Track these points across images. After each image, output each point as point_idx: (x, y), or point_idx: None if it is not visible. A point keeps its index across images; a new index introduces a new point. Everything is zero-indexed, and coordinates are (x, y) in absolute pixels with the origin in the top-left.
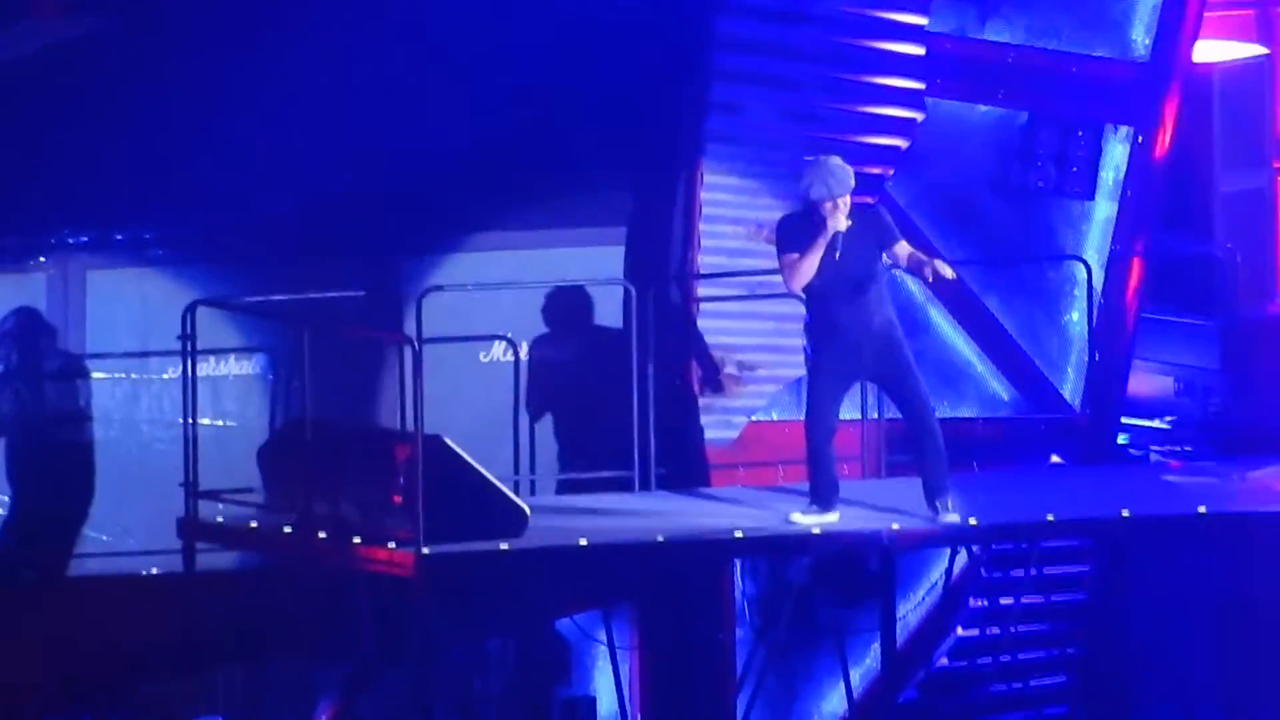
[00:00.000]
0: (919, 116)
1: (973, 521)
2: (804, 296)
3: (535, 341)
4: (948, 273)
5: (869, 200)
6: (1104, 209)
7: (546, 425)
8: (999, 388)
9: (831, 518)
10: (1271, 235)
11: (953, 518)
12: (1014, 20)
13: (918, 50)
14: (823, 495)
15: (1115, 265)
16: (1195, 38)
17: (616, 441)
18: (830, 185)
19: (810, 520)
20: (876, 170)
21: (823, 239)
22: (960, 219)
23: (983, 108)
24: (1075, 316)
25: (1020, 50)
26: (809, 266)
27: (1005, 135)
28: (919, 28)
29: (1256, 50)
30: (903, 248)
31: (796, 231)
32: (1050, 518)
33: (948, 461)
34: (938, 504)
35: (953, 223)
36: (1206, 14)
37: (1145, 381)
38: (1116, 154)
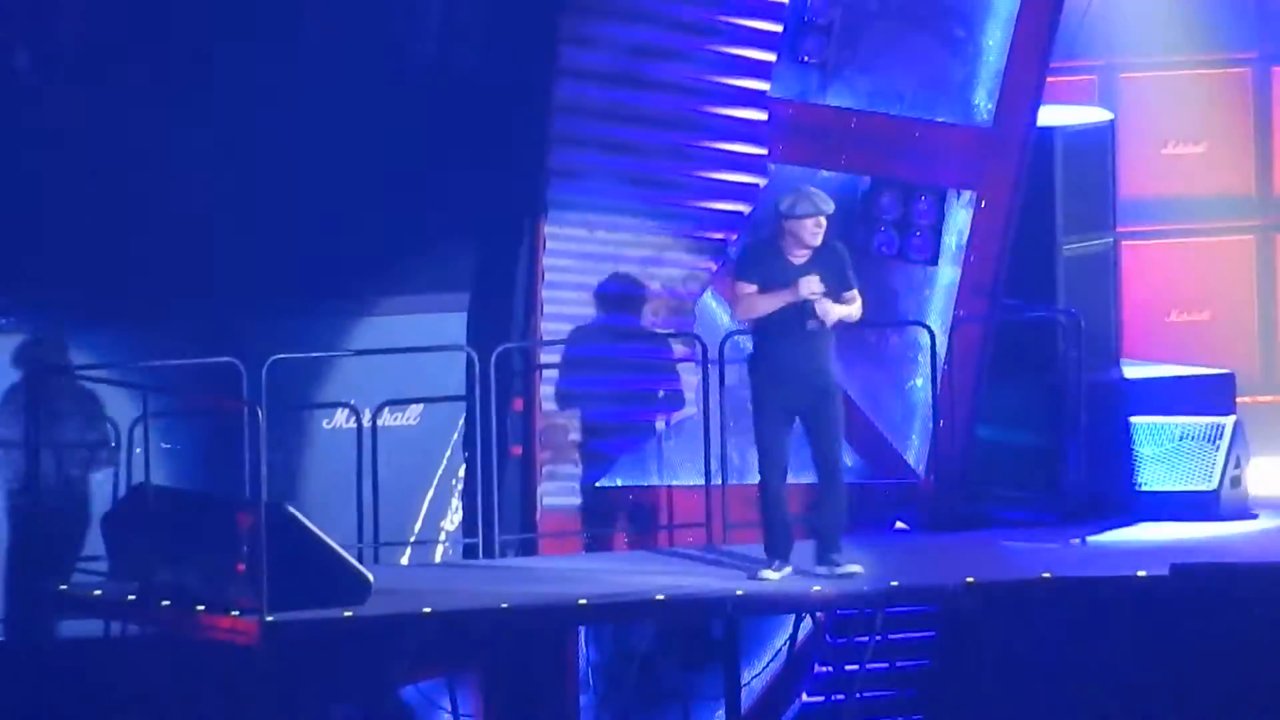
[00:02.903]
0: (762, 182)
1: (817, 588)
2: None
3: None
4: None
5: (712, 267)
6: (947, 274)
7: (392, 493)
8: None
9: (788, 570)
10: (1114, 299)
11: (854, 568)
12: (856, 85)
13: (760, 116)
14: (782, 548)
15: (958, 330)
16: (1038, 102)
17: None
18: (815, 202)
19: (779, 576)
20: (719, 236)
21: (791, 292)
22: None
23: (825, 173)
24: (919, 382)
25: (862, 115)
26: (767, 307)
27: (848, 200)
28: (761, 93)
29: (1099, 114)
30: (853, 297)
31: (757, 262)
32: (895, 584)
33: (846, 524)
34: (834, 557)
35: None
36: (1049, 79)
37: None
38: (959, 219)
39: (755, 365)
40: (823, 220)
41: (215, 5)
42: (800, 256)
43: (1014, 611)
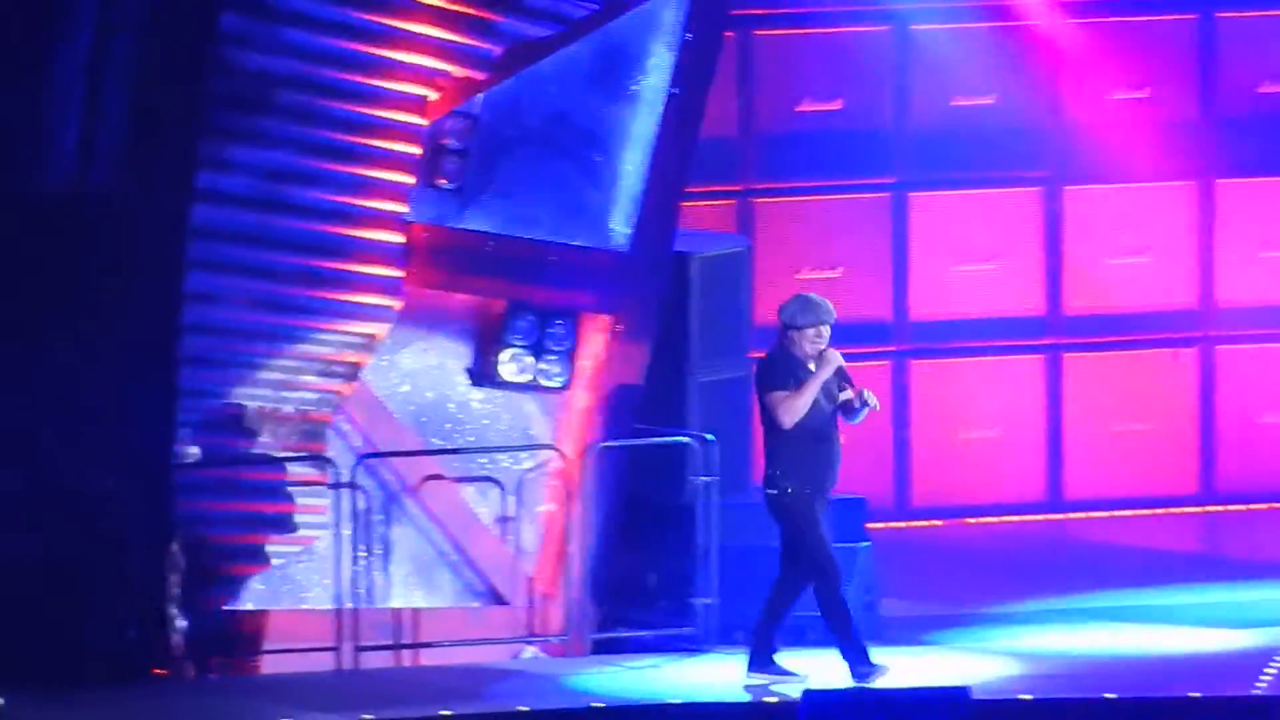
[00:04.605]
0: (398, 305)
1: (446, 713)
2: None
3: None
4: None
5: (349, 389)
6: (581, 398)
7: None
8: (473, 577)
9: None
10: (747, 424)
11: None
12: (493, 209)
13: (397, 239)
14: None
15: (592, 454)
16: (674, 227)
17: None
18: (818, 313)
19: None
20: (354, 359)
21: (822, 371)
22: (438, 409)
23: (462, 295)
24: (553, 506)
25: (499, 239)
26: (809, 397)
27: (483, 324)
28: (399, 216)
29: (735, 241)
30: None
31: (777, 372)
32: (522, 708)
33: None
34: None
35: (430, 412)
36: (686, 204)
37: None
38: (595, 343)
39: (795, 469)
40: (824, 330)
41: None
42: (811, 361)
43: None
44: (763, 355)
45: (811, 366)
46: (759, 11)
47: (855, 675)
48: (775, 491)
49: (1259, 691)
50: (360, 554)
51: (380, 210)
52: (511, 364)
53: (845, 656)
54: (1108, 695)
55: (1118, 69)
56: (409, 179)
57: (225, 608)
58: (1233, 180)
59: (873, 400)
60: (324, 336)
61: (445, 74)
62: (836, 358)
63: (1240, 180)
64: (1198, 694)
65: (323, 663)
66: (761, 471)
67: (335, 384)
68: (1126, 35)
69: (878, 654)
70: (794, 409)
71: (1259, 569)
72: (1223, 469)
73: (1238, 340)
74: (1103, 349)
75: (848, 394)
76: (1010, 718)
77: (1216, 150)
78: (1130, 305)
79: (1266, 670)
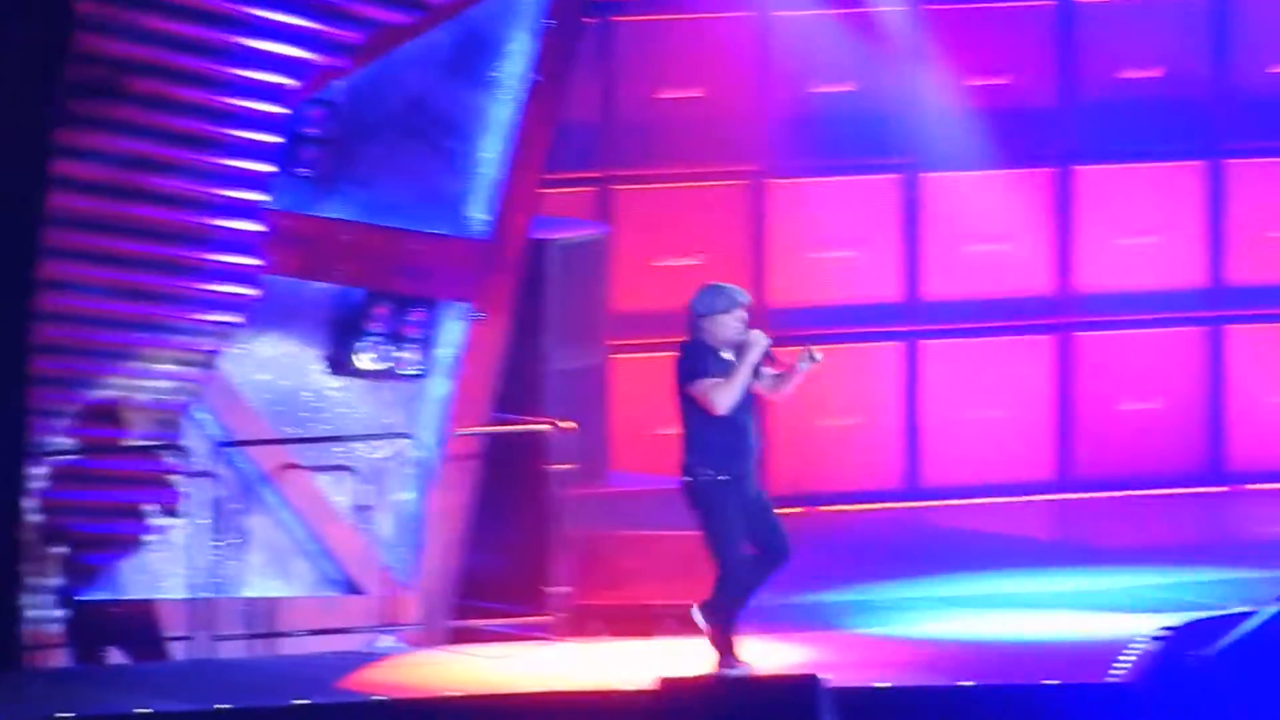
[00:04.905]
0: (255, 293)
1: (301, 703)
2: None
3: None
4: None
5: (206, 378)
6: (440, 386)
7: None
8: (330, 566)
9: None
10: (603, 412)
11: None
12: (351, 197)
13: (256, 228)
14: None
15: (450, 443)
16: (533, 215)
17: None
18: (732, 296)
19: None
20: (210, 347)
21: (751, 354)
22: (294, 397)
23: (319, 284)
24: (410, 495)
25: (356, 227)
26: (741, 381)
27: (341, 312)
28: (258, 205)
29: (594, 228)
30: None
31: (693, 359)
32: (378, 697)
33: None
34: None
35: (287, 401)
36: (545, 191)
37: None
38: (453, 332)
39: (715, 454)
40: (739, 314)
41: None
42: (727, 350)
43: None
44: (677, 348)
45: (726, 354)
46: None
47: (721, 667)
48: (691, 479)
49: (1114, 678)
50: (217, 543)
51: (239, 199)
52: (369, 352)
53: (715, 646)
54: (963, 682)
55: (977, 55)
56: (268, 167)
57: (79, 597)
58: (1092, 166)
59: (816, 354)
60: (181, 325)
61: (304, 61)
62: (763, 339)
63: (1099, 166)
64: (1054, 680)
65: (178, 652)
66: (679, 461)
67: (192, 372)
68: (985, 21)
69: (742, 647)
70: (727, 396)
71: (1115, 555)
72: (1080, 456)
73: (1096, 327)
74: (961, 335)
75: (774, 371)
76: (865, 705)
77: (1076, 136)
78: (989, 291)
79: (1122, 656)
